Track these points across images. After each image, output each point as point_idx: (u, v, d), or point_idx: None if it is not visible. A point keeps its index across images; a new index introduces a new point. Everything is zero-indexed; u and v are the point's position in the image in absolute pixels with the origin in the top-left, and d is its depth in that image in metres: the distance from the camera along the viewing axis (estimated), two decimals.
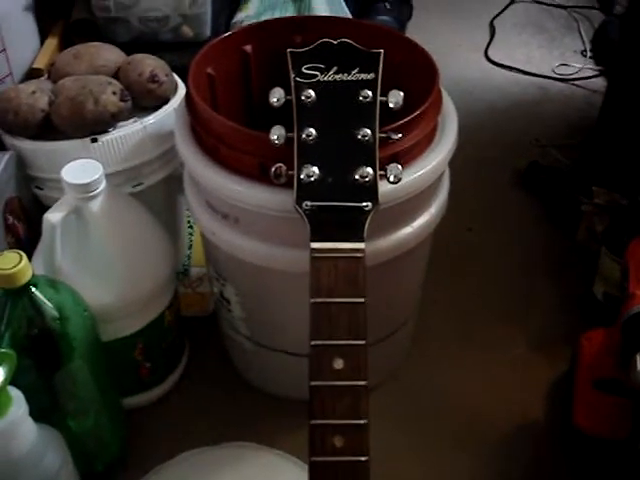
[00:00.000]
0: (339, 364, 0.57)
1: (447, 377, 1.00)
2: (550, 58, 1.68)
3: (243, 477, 0.80)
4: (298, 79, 0.66)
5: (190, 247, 1.10)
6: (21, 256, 0.67)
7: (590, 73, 1.62)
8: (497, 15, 1.83)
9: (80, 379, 0.78)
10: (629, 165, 1.15)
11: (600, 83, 1.56)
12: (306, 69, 0.66)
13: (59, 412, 0.78)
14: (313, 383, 0.57)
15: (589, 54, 1.69)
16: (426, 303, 0.99)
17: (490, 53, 1.69)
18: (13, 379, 0.64)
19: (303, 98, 0.65)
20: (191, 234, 1.10)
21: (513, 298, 1.11)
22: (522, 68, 1.64)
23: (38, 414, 0.69)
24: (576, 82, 1.60)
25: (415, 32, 1.60)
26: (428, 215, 0.79)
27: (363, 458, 0.56)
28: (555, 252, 1.19)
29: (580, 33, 1.77)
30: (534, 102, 1.54)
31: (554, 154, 1.36)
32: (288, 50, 0.67)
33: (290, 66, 0.66)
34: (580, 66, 1.64)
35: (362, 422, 0.56)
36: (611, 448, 0.87)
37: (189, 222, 1.10)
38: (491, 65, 1.66)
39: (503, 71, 1.64)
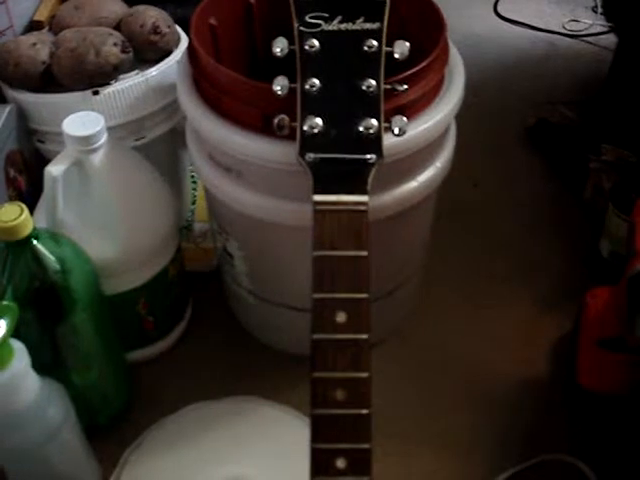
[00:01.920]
0: (341, 317, 0.57)
1: (451, 334, 1.00)
2: (560, 14, 1.65)
3: (246, 431, 0.81)
4: (301, 28, 0.64)
5: (194, 202, 1.09)
6: (22, 209, 0.67)
7: (600, 29, 1.59)
8: None
9: (83, 332, 0.78)
10: (638, 123, 1.14)
11: (610, 40, 1.53)
12: (310, 18, 0.64)
13: (62, 366, 0.79)
14: (315, 336, 0.57)
15: (600, 10, 1.66)
16: (431, 261, 0.98)
17: (499, 8, 1.66)
18: (15, 332, 0.65)
19: (307, 48, 0.63)
20: (194, 189, 1.10)
21: (519, 256, 1.11)
22: (531, 23, 1.61)
23: (41, 368, 0.69)
24: (586, 38, 1.57)
25: None
26: (433, 170, 0.78)
27: (365, 411, 0.55)
28: (562, 210, 1.18)
29: None
30: (543, 58, 1.52)
31: (563, 111, 1.34)
32: None
33: (293, 15, 0.65)
34: (590, 22, 1.61)
35: (364, 375, 0.56)
36: (614, 404, 0.87)
37: (193, 177, 1.09)
38: (500, 20, 1.63)
39: (512, 26, 1.61)
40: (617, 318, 0.85)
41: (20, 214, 0.66)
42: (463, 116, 0.79)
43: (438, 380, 0.95)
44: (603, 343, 0.88)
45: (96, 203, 0.79)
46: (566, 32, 1.59)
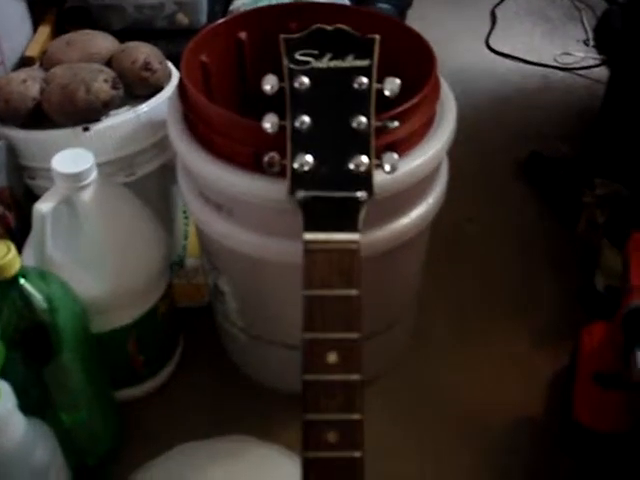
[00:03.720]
0: (332, 358, 0.56)
1: (446, 371, 0.99)
2: (552, 47, 1.66)
3: (237, 471, 0.79)
4: (291, 66, 0.64)
5: (185, 237, 1.08)
6: (9, 247, 0.66)
7: (592, 62, 1.60)
8: (498, 3, 1.81)
9: (71, 371, 0.77)
10: (631, 156, 1.14)
11: (602, 72, 1.54)
12: (300, 55, 0.64)
13: (50, 405, 0.78)
14: (306, 377, 0.56)
15: (592, 43, 1.67)
16: (425, 296, 0.98)
17: (491, 42, 1.68)
18: (2, 372, 0.64)
19: (296, 85, 0.63)
20: (186, 224, 1.09)
21: (513, 291, 1.10)
22: (524, 57, 1.62)
23: (28, 408, 0.68)
24: (578, 71, 1.58)
25: (415, 20, 1.58)
26: (426, 206, 0.78)
27: (357, 454, 0.54)
28: (556, 244, 1.18)
29: (582, 22, 1.75)
30: (536, 91, 1.53)
31: (555, 144, 1.34)
32: (281, 36, 0.66)
33: (283, 52, 0.65)
34: (582, 55, 1.63)
35: (356, 417, 0.55)
36: (611, 442, 0.86)
37: (184, 212, 1.09)
38: (492, 54, 1.65)
39: (504, 60, 1.63)
40: (613, 354, 0.84)
41: (7, 253, 0.66)
42: (455, 151, 0.79)
43: (434, 418, 0.93)
44: (600, 379, 0.86)
45: (85, 241, 0.78)
46: (558, 65, 1.60)
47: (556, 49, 1.65)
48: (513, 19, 1.77)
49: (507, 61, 1.62)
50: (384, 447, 0.83)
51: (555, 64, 1.60)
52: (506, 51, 1.64)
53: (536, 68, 1.59)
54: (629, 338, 0.79)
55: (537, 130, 1.39)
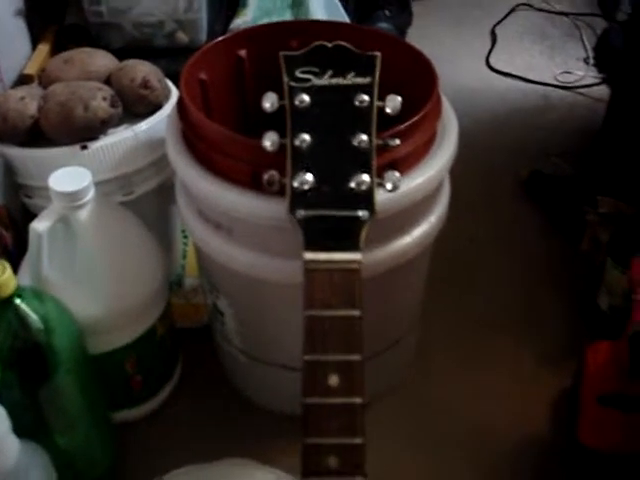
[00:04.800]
0: (334, 380, 0.55)
1: (449, 392, 0.98)
2: (552, 66, 1.66)
3: None
4: (291, 83, 0.63)
5: (184, 257, 1.07)
6: (4, 267, 0.65)
7: (593, 81, 1.60)
8: (498, 22, 1.82)
9: (67, 393, 0.76)
10: (634, 174, 1.13)
11: (603, 91, 1.54)
12: (300, 73, 0.64)
13: (46, 428, 0.77)
14: (306, 400, 0.54)
15: (592, 62, 1.67)
16: (427, 316, 0.96)
17: (491, 61, 1.68)
18: None
19: (297, 103, 0.63)
20: (185, 244, 1.08)
21: (516, 310, 1.09)
22: (524, 76, 1.62)
23: (23, 430, 0.67)
24: (579, 90, 1.58)
25: (415, 40, 1.56)
26: (427, 224, 0.77)
27: (359, 479, 0.53)
28: (559, 263, 1.17)
29: (582, 40, 1.75)
30: (536, 110, 1.52)
31: (557, 162, 1.34)
32: (281, 53, 0.65)
33: (283, 70, 0.64)
34: (583, 74, 1.63)
35: (358, 441, 0.54)
36: (616, 464, 0.84)
37: (183, 231, 1.08)
38: (493, 73, 1.65)
39: (505, 79, 1.63)
40: (618, 374, 0.83)
41: (2, 272, 0.65)
42: (457, 169, 0.78)
43: (436, 440, 0.92)
44: (604, 400, 0.85)
45: (82, 260, 0.77)
46: (558, 84, 1.60)
47: (556, 68, 1.65)
48: (513, 38, 1.77)
49: (507, 80, 1.62)
50: (385, 470, 0.82)
51: (555, 83, 1.60)
52: (506, 70, 1.64)
53: (536, 87, 1.59)
54: (636, 357, 0.78)
55: (538, 148, 1.39)
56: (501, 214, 1.27)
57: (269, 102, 0.63)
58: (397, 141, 0.64)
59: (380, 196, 0.61)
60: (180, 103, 0.75)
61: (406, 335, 0.91)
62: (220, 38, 0.83)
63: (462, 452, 0.91)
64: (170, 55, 1.13)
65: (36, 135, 0.86)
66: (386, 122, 0.64)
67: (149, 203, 0.92)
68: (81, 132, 0.84)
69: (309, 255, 0.59)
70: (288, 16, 1.26)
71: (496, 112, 1.51)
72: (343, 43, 0.66)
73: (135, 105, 0.89)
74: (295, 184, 0.60)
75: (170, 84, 0.94)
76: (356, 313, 0.57)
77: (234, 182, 0.69)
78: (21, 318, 0.69)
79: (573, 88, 1.59)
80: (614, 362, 0.85)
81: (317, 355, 0.56)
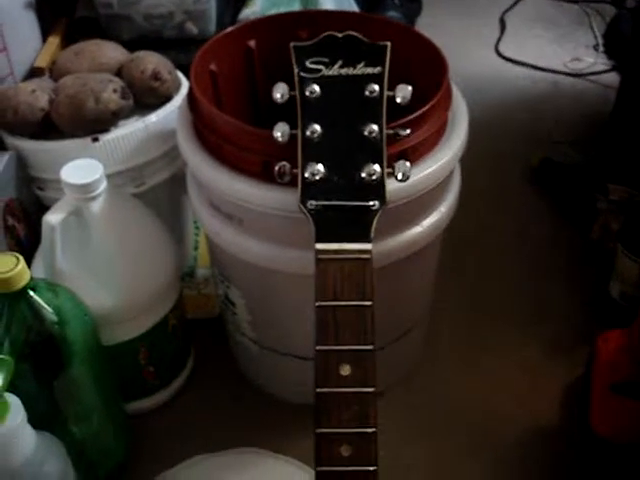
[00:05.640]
0: (346, 370, 0.55)
1: (460, 381, 0.98)
2: (562, 53, 1.65)
3: None
4: (302, 74, 0.64)
5: (196, 248, 1.08)
6: (18, 259, 0.65)
7: (603, 68, 1.59)
8: (507, 10, 1.80)
9: (81, 384, 0.76)
10: None
11: (613, 78, 1.53)
12: (310, 63, 0.64)
13: (60, 418, 0.77)
14: (319, 390, 0.55)
15: (601, 48, 1.66)
16: (437, 305, 0.96)
17: (501, 48, 1.67)
18: (13, 386, 0.63)
19: (307, 93, 0.63)
20: (197, 235, 1.09)
21: (527, 299, 1.09)
22: (533, 63, 1.61)
23: (38, 421, 0.67)
24: (588, 77, 1.57)
25: (424, 28, 1.55)
26: (438, 214, 0.77)
27: (371, 468, 0.54)
28: (570, 251, 1.16)
29: (592, 27, 1.74)
30: (546, 97, 1.52)
31: (567, 150, 1.33)
32: (291, 44, 0.65)
33: (294, 60, 0.64)
34: (592, 61, 1.62)
35: (370, 430, 0.54)
36: (629, 453, 0.84)
37: (195, 223, 1.08)
38: (502, 60, 1.64)
39: (514, 66, 1.62)
40: (630, 362, 0.83)
41: (16, 265, 0.65)
42: (467, 158, 0.78)
43: (446, 429, 0.92)
44: (616, 388, 0.85)
45: (95, 252, 0.78)
46: (568, 71, 1.59)
47: (566, 55, 1.64)
48: (522, 25, 1.76)
49: (517, 67, 1.61)
50: (396, 460, 0.82)
51: (565, 70, 1.59)
52: (516, 57, 1.63)
53: (546, 74, 1.58)
54: None
55: (548, 136, 1.38)
56: (511, 202, 1.26)
57: (279, 93, 0.64)
58: (408, 131, 0.64)
59: (391, 186, 0.61)
60: (190, 94, 0.75)
61: (415, 325, 0.91)
62: (229, 29, 0.82)
63: (472, 442, 0.91)
64: (180, 46, 1.13)
65: (48, 128, 0.86)
66: (397, 112, 0.64)
67: (161, 195, 0.93)
68: (92, 124, 0.84)
69: (320, 245, 0.59)
70: (297, 6, 1.26)
71: (506, 100, 1.51)
72: (353, 33, 0.66)
73: (146, 97, 0.89)
74: (306, 175, 0.60)
75: (180, 75, 0.94)
76: (368, 303, 0.57)
77: (245, 173, 0.69)
78: (35, 310, 0.69)
79: (583, 75, 1.58)
80: (626, 350, 0.85)
81: (329, 345, 0.56)
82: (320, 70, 0.64)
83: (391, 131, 0.63)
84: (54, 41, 1.15)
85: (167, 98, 0.91)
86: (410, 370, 0.97)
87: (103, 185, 0.75)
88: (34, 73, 1.06)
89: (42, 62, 1.08)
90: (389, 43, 0.65)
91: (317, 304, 0.57)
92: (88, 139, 0.85)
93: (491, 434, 0.91)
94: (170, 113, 0.89)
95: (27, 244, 0.90)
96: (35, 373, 0.71)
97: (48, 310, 0.70)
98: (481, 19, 1.78)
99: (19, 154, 0.88)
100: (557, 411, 0.94)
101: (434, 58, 0.76)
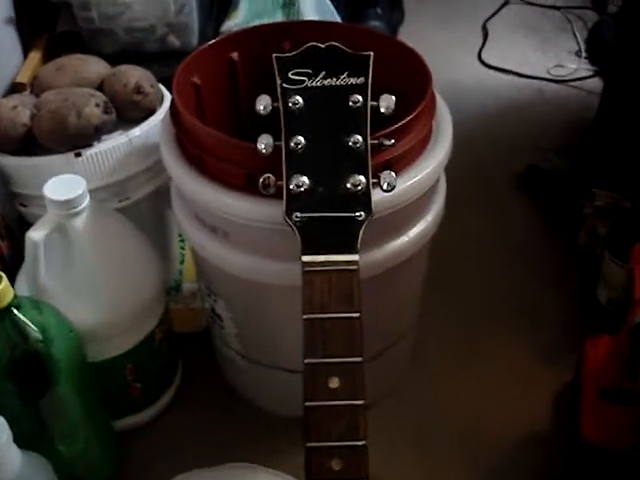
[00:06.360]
0: (334, 383, 0.54)
1: (449, 390, 0.97)
2: (545, 59, 1.66)
3: None
4: (285, 85, 0.63)
5: (182, 262, 1.07)
6: (1, 277, 0.65)
7: (585, 73, 1.60)
8: (490, 17, 1.81)
9: (67, 402, 0.75)
10: (629, 166, 1.13)
11: (596, 83, 1.54)
12: (293, 75, 0.64)
13: (46, 437, 0.76)
14: (308, 403, 0.54)
15: (584, 54, 1.67)
16: (425, 314, 0.96)
17: (484, 56, 1.67)
18: None
19: (290, 105, 0.62)
20: (183, 248, 1.08)
21: (515, 306, 1.09)
22: (516, 70, 1.62)
23: (24, 440, 0.66)
24: (572, 83, 1.58)
25: (407, 37, 1.56)
26: (424, 224, 0.77)
27: None
28: (557, 257, 1.16)
29: (574, 33, 1.75)
30: (530, 104, 1.52)
31: (552, 157, 1.34)
32: (274, 55, 0.65)
33: (276, 72, 0.64)
34: (575, 67, 1.62)
35: (360, 444, 0.54)
36: (619, 460, 0.84)
37: (180, 236, 1.07)
38: (485, 68, 1.64)
39: (497, 74, 1.62)
40: (619, 368, 0.83)
41: None
42: (452, 166, 0.78)
43: (436, 439, 0.92)
44: (605, 394, 0.85)
45: (79, 268, 0.77)
46: (551, 77, 1.60)
47: (549, 61, 1.65)
48: (504, 32, 1.76)
49: (500, 75, 1.62)
50: (387, 471, 0.82)
51: (548, 76, 1.60)
52: (499, 65, 1.64)
53: (529, 81, 1.59)
54: (636, 352, 0.78)
55: (533, 143, 1.38)
56: (498, 209, 1.26)
57: (262, 104, 0.63)
58: (392, 140, 0.64)
59: (376, 196, 0.61)
60: (173, 107, 0.75)
61: (404, 335, 0.91)
62: (212, 41, 0.82)
63: (463, 451, 0.90)
64: (162, 59, 1.13)
65: (30, 143, 0.85)
66: (381, 122, 0.64)
67: (145, 209, 0.92)
68: (74, 139, 0.84)
69: (307, 257, 0.58)
70: (279, 17, 1.26)
71: (490, 107, 1.51)
72: (335, 44, 0.66)
73: (128, 111, 0.88)
74: (291, 186, 0.60)
75: (163, 89, 0.94)
76: (355, 315, 0.57)
77: (229, 186, 0.69)
78: (19, 328, 0.68)
79: (566, 81, 1.58)
80: (614, 356, 0.85)
81: (317, 358, 0.55)
82: (303, 81, 0.63)
83: (375, 141, 0.63)
84: (35, 56, 1.14)
85: (150, 112, 0.90)
86: (398, 380, 0.97)
87: (86, 201, 0.75)
88: (15, 89, 1.05)
89: (23, 78, 1.07)
90: (372, 53, 0.65)
91: (305, 316, 0.57)
92: (71, 154, 0.84)
93: (481, 442, 0.91)
94: (153, 127, 0.88)
95: (10, 261, 0.89)
96: (20, 392, 0.71)
97: (32, 328, 0.69)
98: (464, 27, 1.78)
99: (1, 170, 0.87)
100: (548, 417, 0.94)
101: (417, 67, 0.76)
